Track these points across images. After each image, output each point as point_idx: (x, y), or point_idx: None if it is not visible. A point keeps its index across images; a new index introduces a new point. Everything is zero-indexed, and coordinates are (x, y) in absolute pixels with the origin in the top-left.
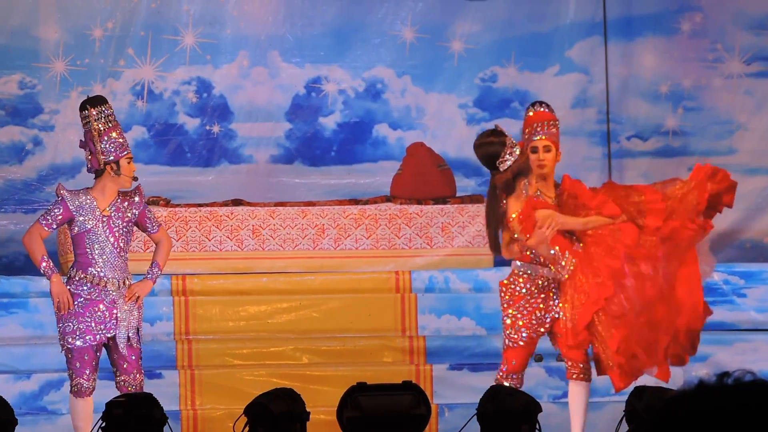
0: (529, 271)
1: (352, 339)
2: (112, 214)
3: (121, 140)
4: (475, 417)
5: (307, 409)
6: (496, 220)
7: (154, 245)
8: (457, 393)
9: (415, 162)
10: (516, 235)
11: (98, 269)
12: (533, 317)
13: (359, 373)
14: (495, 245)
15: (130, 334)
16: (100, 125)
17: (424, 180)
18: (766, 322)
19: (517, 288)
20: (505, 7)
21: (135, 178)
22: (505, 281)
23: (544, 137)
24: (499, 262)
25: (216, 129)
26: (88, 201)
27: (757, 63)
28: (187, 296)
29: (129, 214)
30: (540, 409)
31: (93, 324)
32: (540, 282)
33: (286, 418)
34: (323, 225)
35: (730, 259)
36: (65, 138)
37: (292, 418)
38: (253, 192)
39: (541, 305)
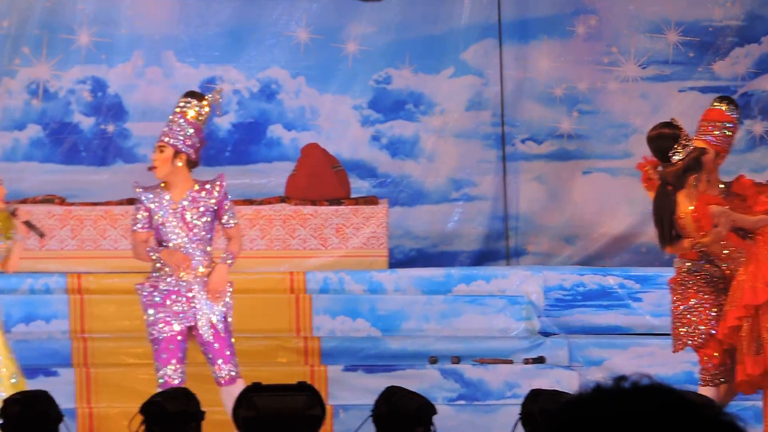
0: (695, 269)
1: (247, 339)
2: (186, 205)
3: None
4: (370, 419)
5: (202, 409)
6: (668, 214)
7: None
8: (351, 394)
9: (309, 163)
10: (688, 233)
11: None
12: (709, 315)
13: (254, 374)
14: (664, 239)
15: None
16: None
17: (319, 181)
18: (662, 327)
19: (688, 287)
20: (399, 9)
21: (150, 168)
22: (676, 280)
23: (702, 138)
24: (394, 263)
25: (111, 128)
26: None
27: (653, 66)
28: (82, 294)
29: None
30: (435, 412)
31: (172, 314)
32: (708, 280)
33: (182, 417)
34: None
35: (625, 263)
36: None
37: (188, 417)
38: None
39: (714, 303)
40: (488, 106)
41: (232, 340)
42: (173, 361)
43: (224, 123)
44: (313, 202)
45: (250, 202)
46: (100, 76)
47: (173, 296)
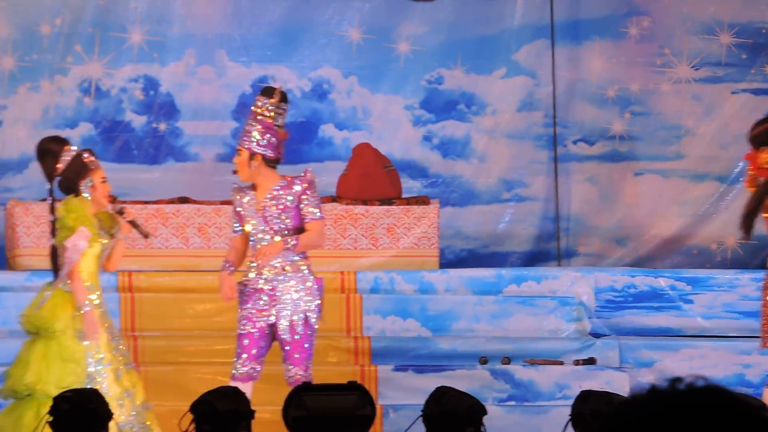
0: None
1: None
2: (268, 202)
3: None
4: (420, 419)
5: (252, 408)
6: (759, 205)
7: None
8: (402, 394)
9: (361, 163)
10: None
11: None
12: None
13: None
14: (748, 229)
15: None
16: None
17: (370, 181)
18: (713, 329)
19: None
20: (451, 9)
21: (234, 171)
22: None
23: None
24: (445, 264)
25: (163, 127)
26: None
27: (706, 68)
28: (133, 293)
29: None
30: (485, 412)
31: (255, 311)
32: None
33: (232, 416)
34: None
35: (676, 265)
36: (13, 133)
37: (238, 416)
38: (200, 190)
39: None
40: (540, 107)
41: (307, 344)
42: (243, 356)
43: None
44: (365, 202)
45: None
46: (152, 74)
47: (257, 294)
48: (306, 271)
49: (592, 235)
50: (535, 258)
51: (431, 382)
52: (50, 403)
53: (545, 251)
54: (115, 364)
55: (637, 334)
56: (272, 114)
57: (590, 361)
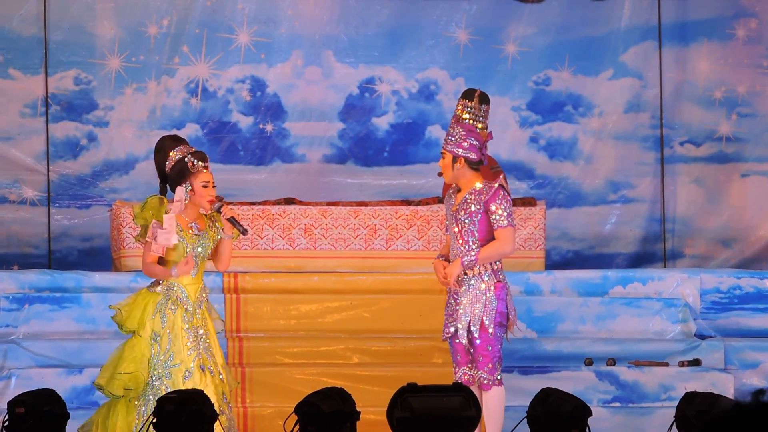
0: None
1: (403, 340)
2: (460, 205)
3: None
4: (525, 420)
5: (357, 409)
6: None
7: None
8: (507, 395)
9: None
10: None
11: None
12: None
13: (409, 374)
14: None
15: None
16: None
17: None
18: None
19: None
20: (559, 11)
21: (439, 174)
22: None
23: None
24: (551, 265)
25: (269, 128)
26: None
27: None
28: (238, 294)
29: (474, 204)
30: (590, 413)
31: (448, 316)
32: None
33: (337, 418)
34: (375, 225)
35: None
36: (119, 134)
37: (343, 417)
38: (306, 191)
39: None
40: (647, 109)
41: (490, 347)
42: (454, 363)
43: (383, 123)
44: None
45: (407, 202)
46: (259, 75)
47: (450, 300)
48: (484, 275)
49: (698, 237)
50: (640, 259)
51: (536, 383)
52: (120, 403)
53: (651, 252)
54: (188, 364)
55: (742, 336)
56: (473, 116)
57: (695, 363)
